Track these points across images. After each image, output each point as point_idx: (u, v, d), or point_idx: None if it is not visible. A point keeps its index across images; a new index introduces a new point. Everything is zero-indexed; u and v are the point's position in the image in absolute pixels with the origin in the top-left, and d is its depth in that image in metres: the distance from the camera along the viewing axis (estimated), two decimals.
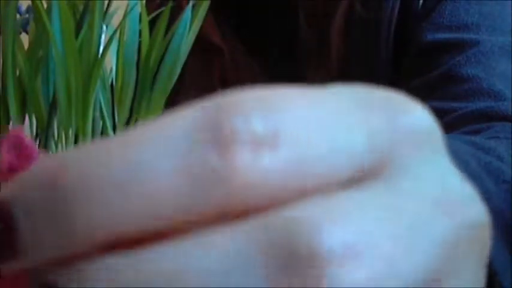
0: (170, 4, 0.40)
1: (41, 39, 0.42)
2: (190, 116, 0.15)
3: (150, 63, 0.42)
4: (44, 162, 0.15)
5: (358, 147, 0.16)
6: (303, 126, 0.16)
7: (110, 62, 0.44)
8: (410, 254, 0.15)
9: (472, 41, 0.60)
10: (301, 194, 0.15)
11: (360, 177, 0.16)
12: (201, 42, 0.53)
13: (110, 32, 0.42)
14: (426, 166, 0.17)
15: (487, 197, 0.36)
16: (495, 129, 0.50)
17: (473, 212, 0.17)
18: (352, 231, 0.15)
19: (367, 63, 0.65)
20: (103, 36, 0.42)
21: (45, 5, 0.41)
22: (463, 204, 0.17)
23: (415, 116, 0.18)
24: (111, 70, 0.44)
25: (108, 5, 0.42)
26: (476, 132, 0.51)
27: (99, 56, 0.40)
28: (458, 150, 0.39)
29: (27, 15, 0.49)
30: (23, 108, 0.43)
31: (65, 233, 0.14)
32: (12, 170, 0.16)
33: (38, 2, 0.40)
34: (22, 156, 0.16)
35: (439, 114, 0.57)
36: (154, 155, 0.15)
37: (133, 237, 0.15)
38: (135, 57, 0.43)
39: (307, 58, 0.69)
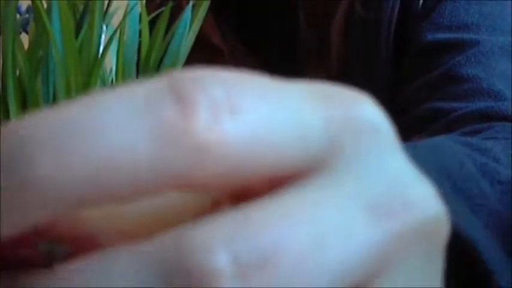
0: (170, 4, 0.40)
1: (41, 39, 0.42)
2: (149, 83, 0.15)
3: (150, 63, 0.42)
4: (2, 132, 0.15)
5: (314, 129, 0.16)
6: (262, 101, 0.16)
7: (110, 62, 0.44)
8: (322, 264, 0.15)
9: (472, 41, 0.60)
10: (255, 171, 0.15)
11: (308, 168, 0.16)
12: (201, 43, 0.53)
13: (110, 32, 0.42)
14: (375, 162, 0.17)
15: (483, 198, 0.37)
16: (495, 129, 0.50)
17: (420, 210, 0.17)
18: (248, 247, 0.14)
19: (367, 63, 0.65)
20: (103, 36, 0.42)
21: (45, 5, 0.41)
22: (407, 203, 0.16)
23: (370, 111, 0.17)
24: (111, 70, 0.44)
25: (108, 5, 0.42)
26: (476, 132, 0.51)
27: (99, 56, 0.41)
28: (454, 151, 0.39)
29: (27, 15, 0.49)
30: (23, 108, 0.43)
31: (20, 198, 0.14)
32: None
33: (38, 2, 0.40)
34: None
35: (439, 114, 0.58)
36: (111, 116, 0.15)
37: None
38: (135, 57, 0.43)
39: (307, 58, 0.69)
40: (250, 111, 0.15)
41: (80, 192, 0.14)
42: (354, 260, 0.15)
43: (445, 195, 0.18)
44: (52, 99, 0.42)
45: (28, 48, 0.42)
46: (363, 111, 0.17)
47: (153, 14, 0.45)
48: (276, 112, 0.16)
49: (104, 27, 0.42)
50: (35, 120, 0.15)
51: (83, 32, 0.41)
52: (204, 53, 0.70)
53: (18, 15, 0.46)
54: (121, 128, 0.14)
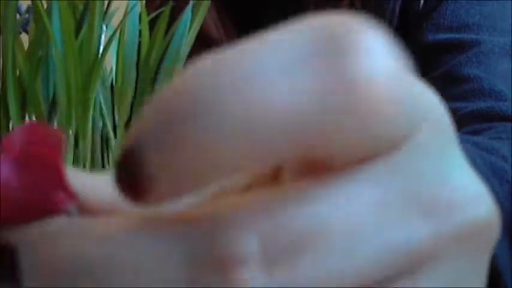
0: (170, 4, 0.40)
1: (41, 39, 0.42)
2: (309, 33, 0.15)
3: (150, 63, 0.42)
4: (161, 95, 0.14)
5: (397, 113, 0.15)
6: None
7: (110, 62, 0.44)
8: (349, 257, 0.15)
9: (473, 41, 0.60)
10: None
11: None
12: (203, 42, 0.53)
13: (110, 32, 0.42)
14: (435, 157, 0.16)
15: (494, 197, 0.36)
16: (496, 130, 0.50)
17: (469, 212, 0.16)
18: (279, 234, 0.14)
19: None
20: (103, 36, 0.42)
21: (45, 5, 0.41)
22: (455, 205, 0.16)
23: (438, 102, 0.17)
24: (111, 70, 0.44)
25: (108, 5, 0.42)
26: (477, 132, 0.51)
27: (99, 56, 0.40)
28: (464, 149, 0.39)
29: (27, 15, 0.49)
30: (23, 108, 0.43)
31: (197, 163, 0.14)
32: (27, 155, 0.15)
33: (38, 2, 0.40)
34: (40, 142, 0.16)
35: None
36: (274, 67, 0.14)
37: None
38: (135, 57, 0.43)
39: None
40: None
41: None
42: (386, 257, 0.15)
43: None
44: (52, 99, 0.42)
45: (28, 48, 0.42)
46: (431, 99, 0.17)
47: (153, 14, 0.45)
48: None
49: (104, 27, 0.42)
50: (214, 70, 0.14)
51: (83, 32, 0.41)
52: (207, 51, 0.70)
53: (18, 15, 0.46)
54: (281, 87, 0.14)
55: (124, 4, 0.43)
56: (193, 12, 0.42)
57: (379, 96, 0.14)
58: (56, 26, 0.40)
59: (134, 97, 0.43)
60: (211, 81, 0.14)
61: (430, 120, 0.16)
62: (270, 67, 0.14)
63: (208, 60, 0.15)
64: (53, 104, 0.42)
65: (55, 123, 0.42)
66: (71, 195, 0.16)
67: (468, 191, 0.17)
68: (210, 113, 0.14)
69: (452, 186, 0.16)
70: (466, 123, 0.54)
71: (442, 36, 0.62)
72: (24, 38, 0.44)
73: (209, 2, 0.42)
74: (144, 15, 0.43)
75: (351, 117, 0.14)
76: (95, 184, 0.18)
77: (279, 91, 0.14)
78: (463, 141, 0.45)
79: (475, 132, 0.51)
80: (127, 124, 0.43)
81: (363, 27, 0.15)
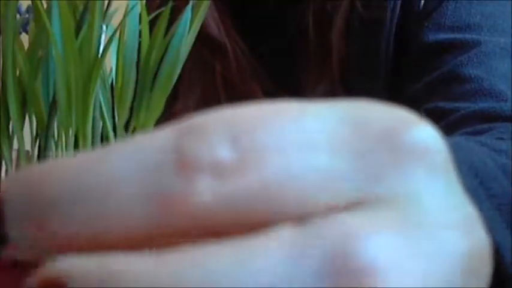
0: (170, 4, 0.40)
1: (41, 39, 0.42)
2: (159, 139, 0.16)
3: (150, 63, 0.42)
4: (29, 171, 0.16)
5: (340, 172, 0.15)
6: (273, 151, 0.15)
7: (110, 62, 0.43)
8: (430, 274, 0.15)
9: (474, 41, 0.60)
10: (265, 219, 0.15)
11: (351, 203, 0.16)
12: (203, 42, 0.53)
13: (110, 32, 0.42)
14: (421, 190, 0.16)
15: (506, 197, 0.36)
16: (499, 130, 0.50)
17: (459, 240, 0.16)
18: (388, 246, 0.15)
19: (368, 64, 0.65)
20: (103, 36, 0.41)
21: (45, 5, 0.41)
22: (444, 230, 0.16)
23: (419, 134, 0.16)
24: (111, 70, 0.44)
25: (108, 5, 0.42)
26: (479, 133, 0.51)
27: (99, 56, 0.40)
28: (474, 150, 0.39)
29: (27, 15, 0.49)
30: (23, 108, 0.43)
31: (39, 234, 0.15)
32: None
33: (38, 2, 0.40)
34: None
35: (441, 114, 0.57)
36: (121, 174, 0.15)
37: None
38: (135, 57, 0.43)
39: (308, 58, 0.69)
40: (257, 165, 0.15)
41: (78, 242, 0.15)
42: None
43: (474, 192, 0.18)
44: (52, 99, 0.42)
45: (28, 48, 0.42)
46: (411, 134, 0.16)
47: (153, 14, 0.45)
48: (292, 160, 0.15)
49: (104, 27, 0.42)
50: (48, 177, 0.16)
51: (82, 32, 0.41)
52: (206, 53, 0.70)
53: (18, 15, 0.46)
54: (126, 193, 0.15)
55: (124, 4, 0.43)
56: (193, 12, 0.42)
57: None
58: (56, 26, 0.40)
59: (134, 97, 0.43)
60: (75, 179, 0.16)
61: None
62: (119, 178, 0.15)
63: (81, 157, 0.16)
64: (53, 104, 0.42)
65: (55, 124, 0.42)
66: None
67: (450, 218, 0.17)
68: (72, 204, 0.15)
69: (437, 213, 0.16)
70: (467, 123, 0.54)
71: (443, 36, 0.62)
72: (24, 38, 0.44)
73: (209, 2, 0.42)
74: (144, 15, 0.43)
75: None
76: None
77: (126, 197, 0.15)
78: (473, 142, 0.44)
79: (476, 133, 0.51)
80: (127, 124, 0.43)
81: (213, 138, 0.16)
